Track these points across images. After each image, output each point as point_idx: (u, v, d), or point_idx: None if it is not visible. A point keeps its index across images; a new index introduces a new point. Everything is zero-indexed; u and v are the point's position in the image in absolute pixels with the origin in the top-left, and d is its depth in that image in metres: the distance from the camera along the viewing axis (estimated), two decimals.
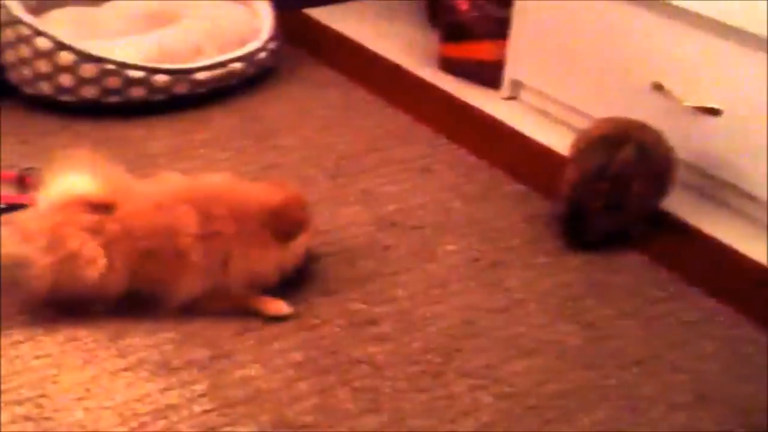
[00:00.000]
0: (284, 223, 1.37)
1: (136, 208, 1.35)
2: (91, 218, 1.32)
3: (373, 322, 1.40)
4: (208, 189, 1.39)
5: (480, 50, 2.20)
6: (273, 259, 1.37)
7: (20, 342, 1.31)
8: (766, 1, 1.58)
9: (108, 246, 1.31)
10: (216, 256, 1.34)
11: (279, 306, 1.40)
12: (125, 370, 1.27)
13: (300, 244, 1.40)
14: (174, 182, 1.43)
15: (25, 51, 1.85)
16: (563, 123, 2.03)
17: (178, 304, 1.36)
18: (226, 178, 1.45)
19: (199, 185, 1.41)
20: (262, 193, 1.40)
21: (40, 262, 1.29)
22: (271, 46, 2.11)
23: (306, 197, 1.45)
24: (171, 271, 1.34)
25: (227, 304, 1.38)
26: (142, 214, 1.34)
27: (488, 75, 2.19)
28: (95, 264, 1.30)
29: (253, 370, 1.29)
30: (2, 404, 1.20)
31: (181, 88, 1.95)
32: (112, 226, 1.32)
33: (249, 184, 1.45)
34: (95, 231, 1.31)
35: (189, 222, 1.33)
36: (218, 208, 1.35)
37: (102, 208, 1.33)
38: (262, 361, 1.31)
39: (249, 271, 1.36)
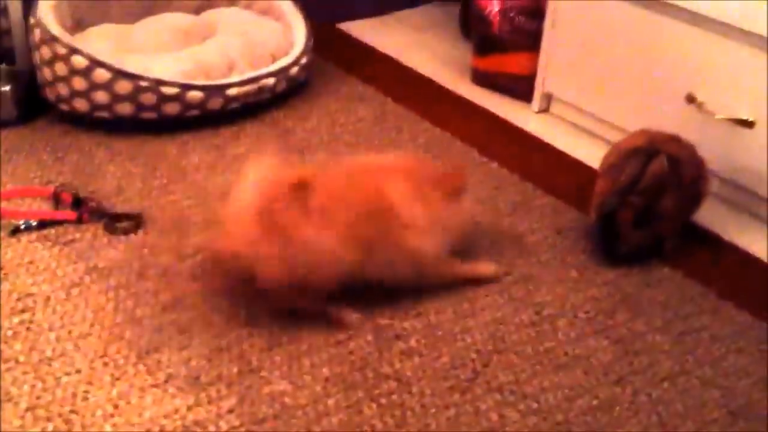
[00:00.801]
0: (451, 183, 1.46)
1: (335, 182, 1.39)
2: (298, 197, 1.34)
3: (401, 337, 1.40)
4: (384, 162, 1.48)
5: (512, 63, 2.20)
6: (457, 216, 1.47)
7: (51, 358, 1.32)
8: None
9: (325, 218, 1.34)
10: (426, 215, 1.40)
11: (488, 267, 1.54)
12: (154, 386, 1.28)
13: (465, 207, 1.50)
14: (352, 162, 1.52)
15: (61, 69, 1.89)
16: (595, 136, 2.03)
17: (408, 269, 1.42)
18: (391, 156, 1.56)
19: (375, 161, 1.50)
20: (424, 164, 1.51)
21: (271, 255, 1.32)
22: (304, 60, 2.13)
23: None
24: (393, 234, 1.38)
25: (447, 272, 1.49)
26: (343, 185, 1.38)
27: (520, 88, 2.20)
28: (321, 239, 1.33)
29: (282, 386, 1.29)
30: (33, 419, 1.22)
31: (215, 104, 1.97)
32: (320, 199, 1.34)
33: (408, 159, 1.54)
34: (307, 209, 1.34)
35: (396, 185, 1.39)
36: (403, 175, 1.42)
37: (301, 187, 1.35)
38: (290, 376, 1.31)
39: (448, 229, 1.44)
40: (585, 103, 2.04)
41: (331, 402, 1.27)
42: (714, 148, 1.71)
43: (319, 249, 1.33)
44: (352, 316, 1.42)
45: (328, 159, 1.55)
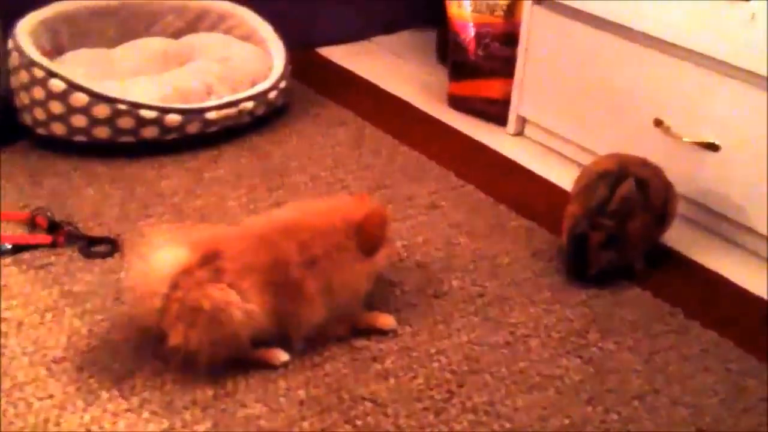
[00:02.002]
0: (368, 238, 1.41)
1: (242, 248, 1.35)
2: (206, 271, 1.31)
3: (376, 358, 1.42)
4: (293, 218, 1.43)
5: (487, 88, 2.24)
6: (364, 273, 1.42)
7: (24, 383, 1.32)
8: (765, 40, 1.60)
9: (235, 284, 1.32)
10: (321, 279, 1.37)
11: (388, 319, 1.49)
12: (128, 410, 1.29)
13: (382, 257, 1.45)
14: (261, 221, 1.48)
15: (38, 93, 1.90)
16: (567, 159, 2.06)
17: (305, 334, 1.40)
18: (304, 204, 1.52)
19: (284, 216, 1.46)
20: (344, 209, 1.44)
21: (189, 334, 1.30)
22: (282, 85, 2.15)
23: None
24: (294, 302, 1.36)
25: (345, 327, 1.45)
26: (250, 251, 1.35)
27: (495, 112, 2.23)
28: (236, 306, 1.31)
29: (257, 409, 1.30)
30: None
31: (193, 128, 1.99)
32: (229, 265, 1.32)
33: (330, 202, 1.49)
34: (217, 278, 1.31)
35: (292, 252, 1.36)
36: (308, 233, 1.38)
37: (209, 258, 1.32)
38: (265, 399, 1.32)
39: (349, 287, 1.41)
40: (558, 127, 2.08)
41: (306, 425, 1.28)
42: (681, 171, 1.75)
43: (227, 316, 1.30)
44: (282, 357, 1.39)
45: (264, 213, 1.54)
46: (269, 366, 1.38)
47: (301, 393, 1.34)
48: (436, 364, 1.41)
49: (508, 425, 1.30)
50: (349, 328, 1.46)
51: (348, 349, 1.43)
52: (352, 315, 1.45)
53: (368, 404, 1.33)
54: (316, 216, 1.42)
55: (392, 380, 1.37)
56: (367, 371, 1.39)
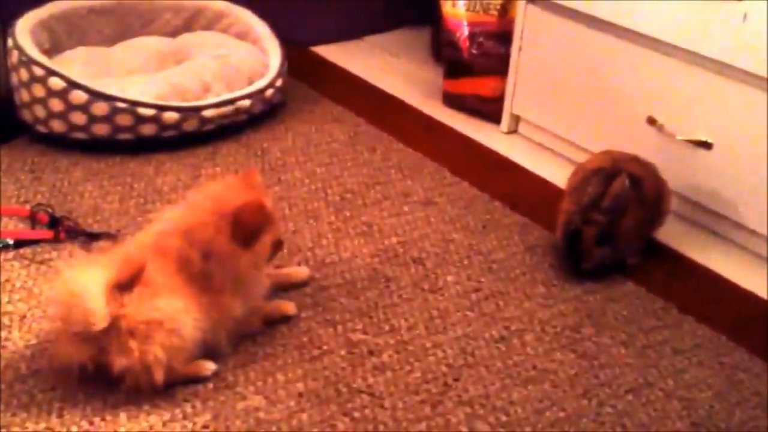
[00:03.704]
0: (241, 229, 1.35)
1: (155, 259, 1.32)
2: (142, 285, 1.29)
3: (373, 352, 1.44)
4: (178, 218, 1.38)
5: (481, 86, 2.25)
6: (247, 263, 1.37)
7: (26, 376, 1.34)
8: (757, 39, 1.62)
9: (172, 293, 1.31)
10: (220, 273, 1.35)
11: (288, 306, 1.50)
12: (128, 402, 1.30)
13: (263, 245, 1.39)
14: (151, 230, 1.41)
15: (38, 90, 1.91)
16: (561, 156, 2.08)
17: (229, 333, 1.39)
18: (188, 199, 1.44)
19: (169, 218, 1.40)
20: (220, 198, 1.38)
21: (144, 350, 1.27)
22: (279, 83, 2.17)
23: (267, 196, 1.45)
24: (211, 300, 1.34)
25: (257, 319, 1.45)
26: (160, 263, 1.32)
27: (489, 110, 2.25)
28: (185, 313, 1.30)
29: (256, 401, 1.32)
30: None
31: (191, 125, 2.00)
32: (157, 277, 1.30)
33: (209, 190, 1.42)
34: (154, 291, 1.29)
35: (191, 251, 1.33)
36: (193, 230, 1.34)
37: (138, 272, 1.29)
38: (264, 392, 1.34)
39: (239, 279, 1.37)
40: (551, 125, 2.09)
41: (304, 417, 1.30)
42: (674, 168, 1.77)
43: (181, 324, 1.29)
44: (210, 367, 1.37)
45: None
46: (200, 379, 1.35)
47: (300, 386, 1.36)
48: (432, 358, 1.43)
49: (503, 418, 1.32)
50: (261, 320, 1.45)
51: (345, 342, 1.45)
52: (255, 307, 1.43)
53: (365, 397, 1.34)
54: (195, 211, 1.38)
55: (389, 373, 1.39)
56: (364, 365, 1.41)
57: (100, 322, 1.23)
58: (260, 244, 1.38)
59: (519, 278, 1.64)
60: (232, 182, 1.43)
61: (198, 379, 1.35)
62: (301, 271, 1.59)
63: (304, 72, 2.42)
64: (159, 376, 1.28)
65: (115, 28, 2.25)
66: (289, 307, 1.51)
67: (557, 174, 1.95)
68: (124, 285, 1.27)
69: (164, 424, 1.27)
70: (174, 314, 1.28)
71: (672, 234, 1.79)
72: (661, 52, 1.80)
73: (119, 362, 1.26)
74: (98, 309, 1.23)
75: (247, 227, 1.36)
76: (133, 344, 1.25)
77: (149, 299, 1.27)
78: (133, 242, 1.41)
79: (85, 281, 1.25)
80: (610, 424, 1.32)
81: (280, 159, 2.00)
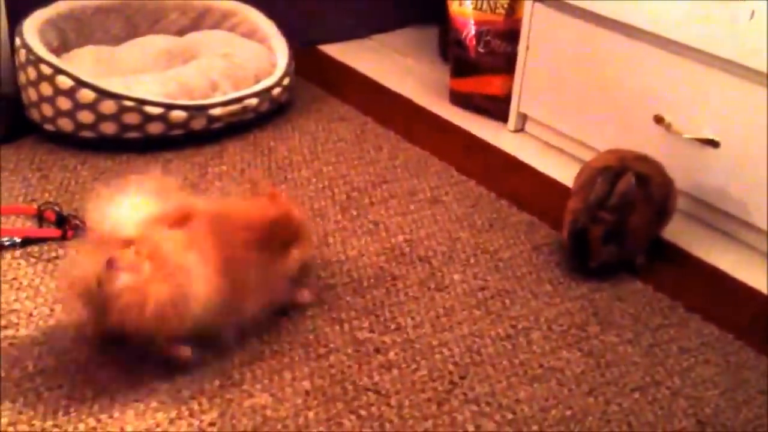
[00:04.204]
0: (275, 237, 1.40)
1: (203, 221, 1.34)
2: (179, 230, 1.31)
3: (380, 350, 1.44)
4: (227, 208, 1.43)
5: (488, 85, 2.26)
6: (277, 271, 1.42)
7: (33, 374, 1.34)
8: (764, 38, 1.62)
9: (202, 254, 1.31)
10: (258, 270, 1.38)
11: (307, 294, 1.52)
12: (136, 400, 1.30)
13: (293, 257, 1.45)
14: (206, 204, 1.43)
15: (46, 89, 1.92)
16: (568, 155, 2.08)
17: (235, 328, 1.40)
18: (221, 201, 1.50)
19: (219, 205, 1.44)
20: (256, 210, 1.43)
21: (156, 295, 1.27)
22: (286, 82, 2.17)
23: (301, 213, 1.52)
24: (238, 288, 1.35)
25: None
26: (208, 230, 1.33)
27: (496, 108, 2.25)
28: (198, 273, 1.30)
29: (263, 399, 1.32)
30: None
31: (198, 124, 2.01)
32: (199, 233, 1.31)
33: (245, 202, 1.49)
34: (188, 243, 1.31)
35: (238, 238, 1.36)
36: (240, 225, 1.38)
37: (182, 219, 1.32)
38: (271, 390, 1.34)
39: (265, 284, 1.40)
40: (558, 124, 2.09)
41: (311, 414, 1.30)
42: (681, 167, 1.77)
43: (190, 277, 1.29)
44: (186, 352, 1.36)
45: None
46: (176, 362, 1.35)
47: (306, 384, 1.36)
48: (438, 356, 1.43)
49: (509, 416, 1.32)
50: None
51: (351, 341, 1.45)
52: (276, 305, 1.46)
53: (372, 395, 1.35)
54: (240, 210, 1.42)
55: (395, 371, 1.39)
56: (370, 363, 1.41)
57: (127, 230, 1.26)
58: (289, 258, 1.43)
59: (525, 277, 1.64)
60: (264, 200, 1.47)
61: (175, 361, 1.35)
62: (303, 295, 1.53)
63: (311, 71, 2.43)
64: (150, 317, 1.26)
65: (122, 27, 2.25)
66: (307, 296, 1.52)
67: (564, 173, 1.95)
68: (167, 221, 1.29)
69: (171, 421, 1.27)
70: (195, 268, 1.28)
71: (679, 232, 1.78)
72: (668, 51, 1.79)
73: (123, 280, 1.25)
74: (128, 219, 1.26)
75: (283, 235, 1.41)
76: (144, 268, 1.25)
77: (180, 246, 1.28)
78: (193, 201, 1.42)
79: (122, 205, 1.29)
80: (616, 423, 1.32)
81: (287, 158, 2.00)
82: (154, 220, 1.29)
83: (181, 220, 1.31)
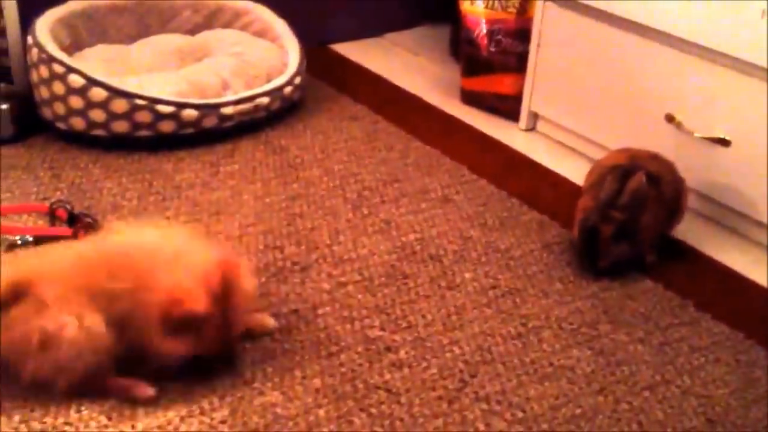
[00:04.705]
0: (175, 320, 1.25)
1: (66, 270, 1.30)
2: (25, 304, 1.26)
3: (390, 349, 1.44)
4: (128, 246, 1.33)
5: (499, 84, 2.26)
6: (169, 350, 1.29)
7: None
8: None
9: (64, 308, 1.27)
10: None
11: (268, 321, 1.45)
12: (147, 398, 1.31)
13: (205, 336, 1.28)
14: (92, 245, 1.39)
15: (58, 88, 1.93)
16: (579, 154, 2.08)
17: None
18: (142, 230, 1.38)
19: (117, 242, 1.36)
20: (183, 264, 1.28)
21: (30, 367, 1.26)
22: (297, 80, 2.17)
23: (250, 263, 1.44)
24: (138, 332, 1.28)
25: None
26: (76, 274, 1.29)
27: (507, 107, 2.25)
28: (71, 328, 1.25)
29: (273, 397, 1.33)
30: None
31: (210, 122, 2.02)
32: (50, 291, 1.26)
33: (174, 242, 1.33)
34: (40, 308, 1.26)
35: (126, 279, 1.27)
36: (136, 267, 1.28)
37: (22, 289, 1.27)
38: (282, 388, 1.35)
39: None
40: (569, 122, 2.09)
41: (321, 412, 1.31)
42: (692, 166, 1.77)
43: (63, 340, 1.25)
44: (148, 392, 1.31)
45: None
46: (135, 399, 1.30)
47: (317, 382, 1.36)
48: (449, 355, 1.43)
49: (520, 414, 1.32)
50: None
51: (362, 339, 1.45)
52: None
53: (382, 393, 1.35)
54: (149, 253, 1.30)
55: (406, 370, 1.40)
56: (381, 361, 1.41)
57: None
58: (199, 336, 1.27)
59: (536, 275, 1.64)
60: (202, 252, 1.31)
61: (133, 399, 1.30)
62: (267, 321, 1.46)
63: (323, 70, 2.43)
64: (61, 384, 1.27)
65: (134, 25, 2.26)
66: (268, 321, 1.46)
67: (575, 171, 1.95)
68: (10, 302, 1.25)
69: (182, 419, 1.28)
70: (57, 332, 1.24)
71: (690, 231, 1.78)
72: (679, 49, 1.79)
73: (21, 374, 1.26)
74: None
75: (181, 317, 1.24)
76: (19, 360, 1.25)
77: (30, 319, 1.24)
78: (53, 251, 1.40)
79: None
80: (626, 421, 1.32)
81: (299, 156, 2.01)
82: None
83: (22, 288, 1.26)
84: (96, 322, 1.26)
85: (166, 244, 1.32)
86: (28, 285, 1.27)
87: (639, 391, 1.38)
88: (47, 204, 1.73)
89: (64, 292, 1.26)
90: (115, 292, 1.26)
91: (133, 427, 1.26)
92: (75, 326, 1.25)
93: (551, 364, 1.42)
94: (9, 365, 1.28)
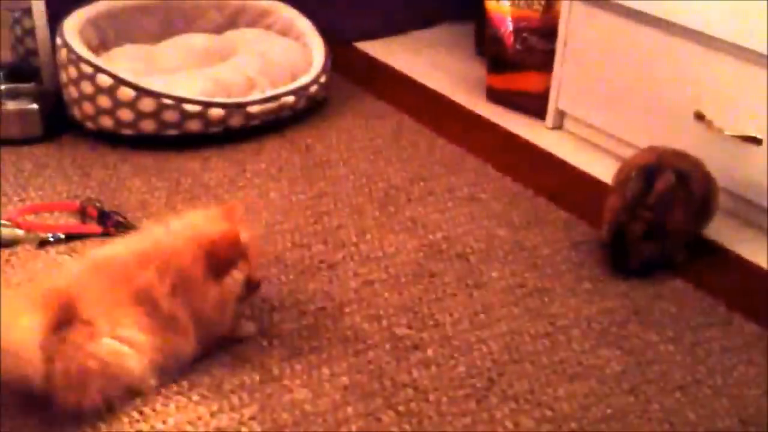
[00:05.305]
0: (215, 259, 1.32)
1: (99, 287, 1.29)
2: (76, 329, 1.24)
3: (418, 347, 1.44)
4: (146, 244, 1.35)
5: (525, 81, 2.25)
6: (215, 297, 1.34)
7: None
8: None
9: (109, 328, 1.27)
10: (187, 307, 1.32)
11: (249, 327, 1.45)
12: (178, 393, 1.32)
13: (234, 280, 1.35)
14: (113, 251, 1.37)
15: (87, 88, 1.94)
16: (607, 152, 2.06)
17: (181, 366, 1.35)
18: (159, 226, 1.39)
19: (135, 243, 1.37)
20: (198, 228, 1.35)
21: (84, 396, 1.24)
22: (323, 79, 2.18)
23: (248, 231, 1.39)
24: (168, 335, 1.31)
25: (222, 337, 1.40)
26: (108, 289, 1.28)
27: (533, 105, 2.24)
28: (126, 354, 1.27)
29: (302, 394, 1.33)
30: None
31: (236, 121, 2.02)
32: (92, 311, 1.25)
33: (187, 220, 1.39)
34: (90, 332, 1.24)
35: (153, 281, 1.29)
36: (162, 259, 1.31)
37: (68, 312, 1.24)
38: (310, 385, 1.35)
39: (204, 313, 1.34)
40: (597, 120, 2.08)
41: (349, 410, 1.31)
42: (723, 164, 1.75)
43: (121, 368, 1.26)
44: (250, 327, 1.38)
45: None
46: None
47: (345, 379, 1.36)
48: (476, 353, 1.43)
49: (548, 414, 1.32)
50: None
51: (389, 337, 1.45)
52: (216, 336, 1.39)
53: (410, 391, 1.35)
54: (167, 239, 1.34)
55: (434, 368, 1.39)
56: (408, 359, 1.41)
57: (36, 378, 1.19)
58: (231, 279, 1.34)
59: (564, 274, 1.63)
60: (212, 214, 1.39)
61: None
62: (247, 326, 1.45)
63: (348, 68, 2.43)
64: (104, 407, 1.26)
65: (159, 25, 2.27)
66: (249, 328, 1.45)
67: (603, 170, 1.93)
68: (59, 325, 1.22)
69: (212, 415, 1.28)
70: (115, 359, 1.24)
71: (721, 230, 1.76)
72: (708, 47, 1.77)
73: (64, 405, 1.23)
74: (30, 363, 1.18)
75: (221, 257, 1.32)
76: (72, 392, 1.22)
77: (84, 346, 1.22)
78: (81, 265, 1.37)
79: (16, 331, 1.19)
80: (657, 422, 1.31)
81: (324, 155, 2.01)
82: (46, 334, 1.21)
83: (67, 311, 1.23)
84: (134, 333, 1.27)
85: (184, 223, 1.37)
86: (75, 304, 1.24)
87: (670, 391, 1.37)
88: (78, 202, 1.74)
89: (108, 310, 1.26)
90: (157, 288, 1.29)
91: (164, 422, 1.27)
92: (128, 347, 1.25)
93: (580, 364, 1.42)
94: (56, 395, 1.23)
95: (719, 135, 1.77)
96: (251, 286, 1.38)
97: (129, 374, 1.27)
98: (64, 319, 1.22)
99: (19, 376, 1.20)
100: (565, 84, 2.13)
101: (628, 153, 1.86)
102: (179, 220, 1.39)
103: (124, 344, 1.25)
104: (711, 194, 1.67)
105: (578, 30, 2.05)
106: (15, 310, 1.21)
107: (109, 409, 1.27)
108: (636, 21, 1.91)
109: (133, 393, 1.30)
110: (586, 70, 2.06)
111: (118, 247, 1.38)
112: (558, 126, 2.19)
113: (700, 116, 1.80)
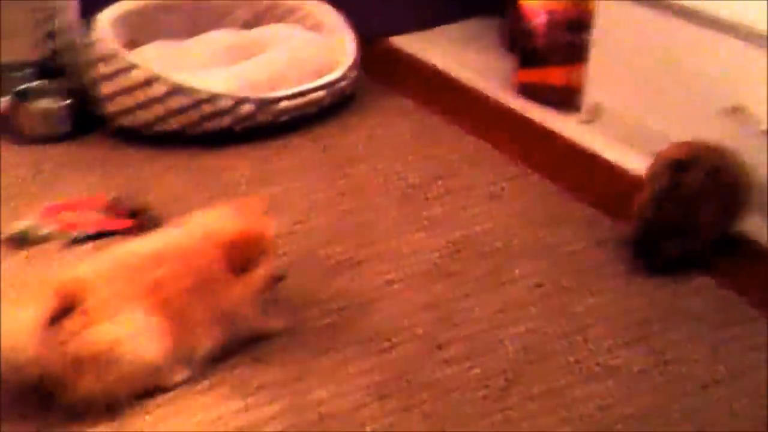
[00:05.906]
0: (237, 257, 1.34)
1: (110, 278, 1.30)
2: (74, 317, 1.25)
3: (440, 346, 1.44)
4: (163, 242, 1.38)
5: (557, 75, 2.22)
6: (237, 295, 1.36)
7: None
8: None
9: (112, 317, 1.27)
10: (205, 304, 1.33)
11: (278, 321, 1.46)
12: (201, 392, 1.33)
13: (257, 276, 1.37)
14: (128, 249, 1.39)
15: (118, 83, 1.96)
16: (641, 146, 2.03)
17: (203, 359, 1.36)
18: (178, 223, 1.42)
19: (153, 241, 1.40)
20: (217, 227, 1.38)
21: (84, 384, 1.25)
22: (353, 75, 2.18)
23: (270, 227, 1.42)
24: (184, 331, 1.33)
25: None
26: (120, 281, 1.29)
27: (565, 99, 2.22)
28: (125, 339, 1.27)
29: (325, 393, 1.34)
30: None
31: (265, 117, 2.03)
32: (96, 302, 1.26)
33: (206, 218, 1.41)
34: (89, 320, 1.25)
35: (168, 279, 1.31)
36: (179, 257, 1.33)
37: (70, 302, 1.25)
38: (333, 384, 1.36)
39: (226, 310, 1.36)
40: (631, 114, 2.05)
41: (373, 409, 1.32)
42: (758, 158, 1.72)
43: (119, 353, 1.26)
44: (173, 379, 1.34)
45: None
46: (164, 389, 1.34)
47: (368, 378, 1.37)
48: (498, 352, 1.43)
49: (570, 414, 1.31)
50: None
51: (411, 336, 1.46)
52: (243, 333, 1.40)
53: (432, 390, 1.35)
54: (184, 237, 1.37)
55: (455, 367, 1.40)
56: (431, 358, 1.41)
57: (32, 368, 1.21)
58: (253, 274, 1.36)
59: (587, 272, 1.62)
60: (233, 210, 1.41)
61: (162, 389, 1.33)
62: (274, 322, 1.46)
63: (374, 63, 2.42)
64: (119, 396, 1.27)
65: (188, 22, 2.28)
66: (278, 323, 1.46)
67: (636, 164, 1.89)
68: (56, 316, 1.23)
69: (236, 413, 1.30)
70: (113, 345, 1.24)
71: (754, 227, 1.72)
72: (744, 39, 1.74)
73: (66, 396, 1.25)
74: (26, 352, 1.20)
75: (243, 254, 1.34)
76: (69, 380, 1.23)
77: (82, 333, 1.23)
78: (95, 260, 1.39)
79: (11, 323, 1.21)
80: (680, 421, 1.30)
81: (348, 152, 2.01)
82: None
83: (70, 301, 1.24)
84: (150, 325, 1.28)
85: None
86: (77, 296, 1.25)
87: (693, 390, 1.36)
88: (107, 199, 1.77)
89: (114, 301, 1.26)
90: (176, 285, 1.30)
91: (188, 420, 1.29)
92: (128, 337, 1.26)
93: (600, 364, 1.41)
94: (55, 383, 1.25)
95: (755, 129, 1.74)
96: (274, 279, 1.41)
97: (132, 364, 1.26)
98: (64, 309, 1.23)
99: (14, 367, 1.21)
100: (599, 77, 2.09)
101: (661, 146, 1.83)
102: (200, 217, 1.41)
103: (129, 333, 1.25)
104: (742, 190, 1.63)
105: (611, 23, 2.03)
106: (13, 302, 1.24)
107: (114, 401, 1.27)
108: (670, 14, 1.88)
109: (152, 388, 1.31)
110: (619, 63, 2.03)
111: (138, 243, 1.40)
112: (591, 120, 2.17)
113: (735, 110, 1.77)
